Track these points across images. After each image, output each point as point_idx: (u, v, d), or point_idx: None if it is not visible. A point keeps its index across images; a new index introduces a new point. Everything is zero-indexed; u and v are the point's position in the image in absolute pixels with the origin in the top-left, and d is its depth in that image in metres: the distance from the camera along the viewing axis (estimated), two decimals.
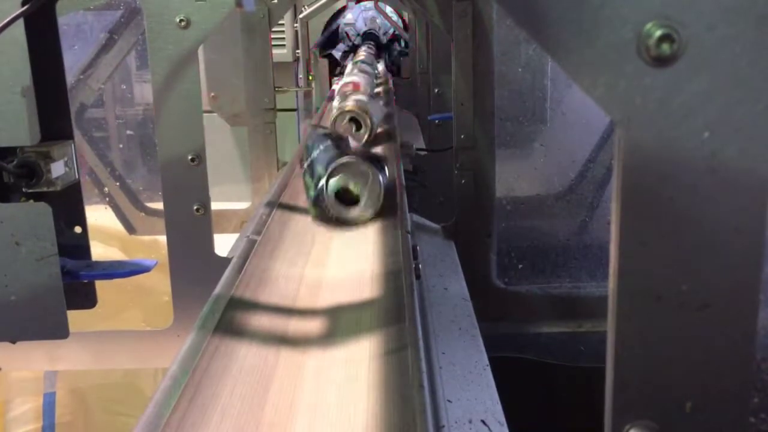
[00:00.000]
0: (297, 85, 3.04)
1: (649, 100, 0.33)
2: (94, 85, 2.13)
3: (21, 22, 0.67)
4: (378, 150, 1.30)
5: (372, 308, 0.68)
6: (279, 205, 1.02)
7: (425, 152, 1.89)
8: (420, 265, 0.85)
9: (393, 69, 3.38)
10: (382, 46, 3.49)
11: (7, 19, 0.65)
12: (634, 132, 0.34)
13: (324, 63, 3.39)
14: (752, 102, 0.33)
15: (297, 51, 3.07)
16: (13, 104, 0.68)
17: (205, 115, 0.94)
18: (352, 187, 0.94)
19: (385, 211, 0.95)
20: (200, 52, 0.96)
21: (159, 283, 1.05)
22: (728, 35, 0.32)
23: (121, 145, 2.60)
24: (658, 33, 0.33)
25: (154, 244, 2.04)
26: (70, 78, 2.03)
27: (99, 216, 2.02)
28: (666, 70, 0.33)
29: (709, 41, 0.33)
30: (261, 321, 0.66)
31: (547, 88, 1.75)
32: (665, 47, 0.33)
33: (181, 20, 0.89)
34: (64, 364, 1.03)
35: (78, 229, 0.80)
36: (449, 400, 0.76)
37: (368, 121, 1.25)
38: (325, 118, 1.69)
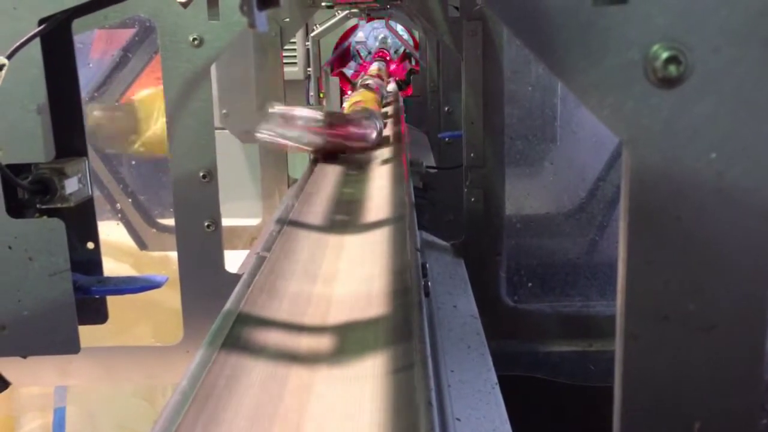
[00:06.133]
0: (308, 103, 3.06)
1: (656, 121, 0.34)
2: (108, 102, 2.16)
3: (37, 40, 0.68)
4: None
5: (381, 325, 0.68)
6: (289, 221, 1.03)
7: (435, 170, 1.89)
8: (429, 283, 0.85)
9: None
10: None
11: (24, 38, 0.66)
12: (641, 152, 0.34)
13: (335, 81, 3.42)
14: (758, 123, 0.33)
15: (308, 69, 3.09)
16: (28, 121, 0.69)
17: (216, 131, 0.95)
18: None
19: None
20: (212, 69, 0.97)
21: (170, 298, 1.05)
22: (734, 57, 0.33)
23: (133, 162, 2.62)
24: (665, 55, 0.33)
25: (166, 260, 2.05)
26: (84, 95, 2.05)
27: (111, 232, 2.03)
28: (673, 91, 0.33)
29: (716, 63, 0.33)
30: (269, 337, 0.66)
31: (557, 107, 1.75)
32: (672, 69, 0.33)
33: (194, 39, 0.90)
34: (75, 380, 1.04)
35: (90, 245, 0.81)
36: (458, 419, 0.76)
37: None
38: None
